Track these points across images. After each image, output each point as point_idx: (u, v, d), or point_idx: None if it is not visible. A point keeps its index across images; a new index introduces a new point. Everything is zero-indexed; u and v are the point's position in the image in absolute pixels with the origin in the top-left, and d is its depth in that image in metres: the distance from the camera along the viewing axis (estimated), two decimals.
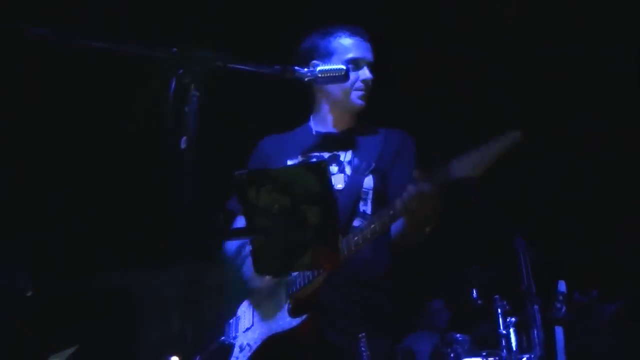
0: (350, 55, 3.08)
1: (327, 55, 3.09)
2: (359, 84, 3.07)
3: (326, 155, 3.04)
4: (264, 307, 2.80)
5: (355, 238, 2.64)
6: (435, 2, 5.54)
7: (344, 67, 2.82)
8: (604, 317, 5.34)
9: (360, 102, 3.09)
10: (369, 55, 3.12)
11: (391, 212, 2.60)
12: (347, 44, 3.10)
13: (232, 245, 3.03)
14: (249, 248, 2.87)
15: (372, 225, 2.63)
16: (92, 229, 5.80)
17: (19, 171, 5.62)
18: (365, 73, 3.08)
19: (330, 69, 2.84)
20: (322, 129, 3.16)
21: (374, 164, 2.97)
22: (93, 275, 6.14)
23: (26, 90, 5.40)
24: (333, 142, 3.10)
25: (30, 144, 5.61)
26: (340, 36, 3.12)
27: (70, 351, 4.57)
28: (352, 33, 3.13)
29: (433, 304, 6.15)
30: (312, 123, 3.21)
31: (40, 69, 5.17)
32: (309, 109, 3.24)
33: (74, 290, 6.05)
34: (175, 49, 2.32)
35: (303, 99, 3.22)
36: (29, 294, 4.67)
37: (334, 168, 2.99)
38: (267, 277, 2.81)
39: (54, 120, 5.54)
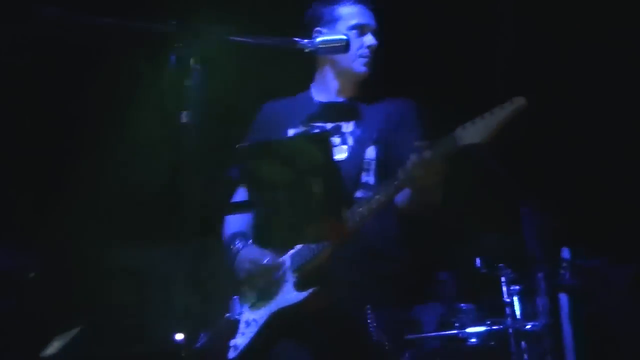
0: (354, 22, 3.06)
1: (331, 22, 3.08)
2: (363, 51, 3.04)
3: (329, 125, 3.01)
4: (268, 282, 2.79)
5: (360, 209, 2.62)
6: None
7: (344, 37, 2.81)
8: (614, 284, 5.33)
9: (364, 68, 3.06)
10: (372, 22, 3.10)
11: (395, 182, 2.59)
12: (351, 11, 3.09)
13: (230, 222, 3.02)
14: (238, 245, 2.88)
15: (377, 196, 2.62)
16: (99, 207, 5.81)
17: (23, 151, 5.64)
18: (369, 39, 3.06)
19: (331, 39, 2.83)
20: (324, 98, 3.13)
21: (376, 135, 2.94)
22: (101, 253, 6.15)
23: (28, 79, 5.41)
24: (335, 112, 3.07)
25: (35, 124, 5.62)
26: (344, 3, 3.11)
27: (74, 332, 4.58)
28: (356, 0, 3.12)
29: (440, 275, 6.17)
30: (313, 91, 3.18)
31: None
32: (308, 77, 3.21)
33: (82, 269, 6.08)
34: (174, 22, 2.29)
35: (302, 67, 3.19)
36: (31, 275, 4.67)
37: (336, 139, 2.95)
38: (270, 251, 2.80)
39: (63, 102, 5.54)
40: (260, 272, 2.77)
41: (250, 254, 2.82)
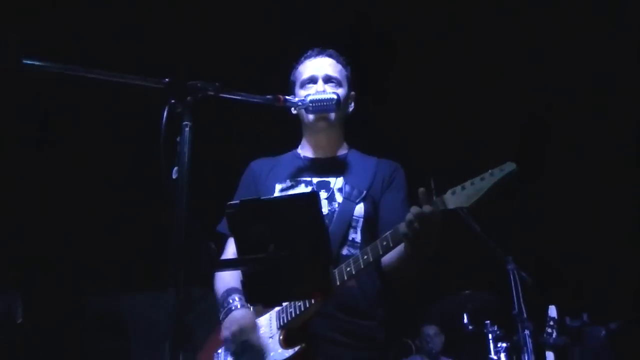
0: (303, 77, 3.08)
1: (293, 85, 3.12)
2: (308, 103, 2.92)
3: (315, 180, 3.01)
4: (253, 338, 2.77)
5: (348, 269, 2.63)
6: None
7: (334, 96, 2.84)
8: (595, 341, 5.35)
9: (310, 117, 3.00)
10: (320, 70, 3.07)
11: (384, 242, 2.59)
12: (301, 70, 3.13)
13: (223, 277, 3.01)
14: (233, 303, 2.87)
15: (365, 257, 2.62)
16: (84, 255, 5.80)
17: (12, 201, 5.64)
18: (313, 89, 3.02)
19: (320, 99, 2.86)
20: (311, 154, 3.14)
21: (365, 192, 2.95)
22: (86, 300, 6.13)
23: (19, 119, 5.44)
24: (323, 166, 3.07)
25: (23, 173, 5.63)
26: (300, 63, 3.15)
27: None
28: (307, 56, 3.15)
29: (426, 329, 6.16)
30: (300, 149, 3.19)
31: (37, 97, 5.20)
32: (297, 137, 3.24)
33: (67, 315, 6.05)
34: (167, 79, 2.32)
35: (293, 127, 3.23)
36: (19, 321, 4.65)
37: (323, 194, 2.96)
38: (256, 308, 2.80)
39: (46, 148, 5.57)
40: (242, 340, 2.75)
41: (242, 317, 2.78)
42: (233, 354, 2.82)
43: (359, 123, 3.23)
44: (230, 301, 2.86)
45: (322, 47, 3.18)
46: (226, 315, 2.84)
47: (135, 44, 5.07)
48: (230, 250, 2.98)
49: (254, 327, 2.78)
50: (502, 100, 5.81)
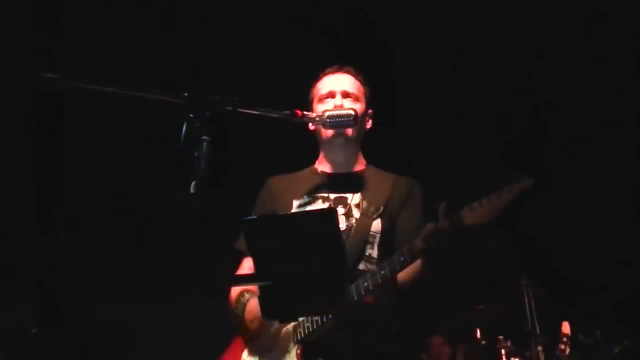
0: (321, 93, 3.11)
1: (311, 102, 3.14)
2: (324, 118, 2.90)
3: (332, 196, 3.02)
4: (268, 353, 2.78)
5: (365, 284, 2.64)
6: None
7: (352, 112, 2.86)
8: (608, 359, 5.32)
9: (329, 132, 3.01)
10: (338, 86, 3.09)
11: (402, 258, 2.60)
12: (319, 86, 3.15)
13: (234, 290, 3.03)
14: (247, 296, 2.89)
15: (383, 272, 2.63)
16: (97, 263, 5.83)
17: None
18: (329, 104, 3.04)
19: (338, 114, 2.87)
20: (328, 170, 3.15)
21: (382, 208, 2.96)
22: (97, 309, 6.15)
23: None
24: (339, 182, 3.08)
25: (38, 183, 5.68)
26: (318, 80, 3.17)
27: None
28: (324, 73, 3.18)
29: (432, 339, 6.16)
30: (317, 165, 3.20)
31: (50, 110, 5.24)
32: (313, 153, 3.25)
33: (76, 325, 6.07)
34: (186, 94, 2.34)
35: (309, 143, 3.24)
36: (33, 331, 4.67)
37: (340, 209, 2.97)
38: (272, 322, 2.80)
39: (63, 159, 5.60)
40: (265, 330, 2.80)
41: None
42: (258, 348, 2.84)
43: (375, 140, 3.23)
44: (241, 298, 2.91)
45: (340, 65, 3.20)
46: (243, 309, 2.87)
47: (152, 58, 5.11)
48: (247, 267, 2.99)
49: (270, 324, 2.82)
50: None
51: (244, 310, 2.87)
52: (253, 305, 2.84)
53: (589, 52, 5.54)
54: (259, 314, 2.75)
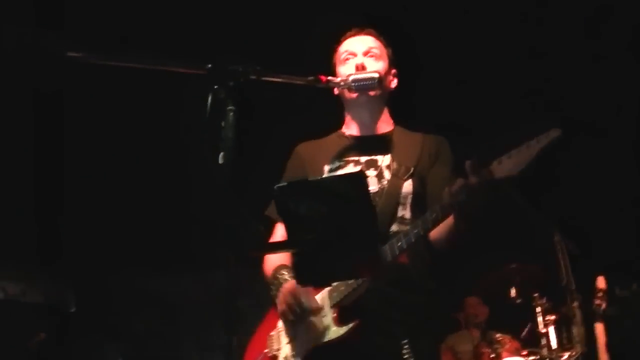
0: (342, 57, 3.11)
1: (334, 66, 3.14)
2: (347, 79, 2.95)
3: (363, 159, 3.01)
4: (305, 318, 2.80)
5: (399, 243, 2.65)
6: None
7: (376, 74, 2.85)
8: None
9: (353, 94, 3.01)
10: (360, 46, 3.10)
11: (434, 215, 2.60)
12: (341, 49, 3.15)
13: (268, 259, 3.05)
14: (285, 275, 2.89)
15: (416, 230, 2.64)
16: (135, 236, 5.90)
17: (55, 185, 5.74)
18: (351, 64, 3.04)
19: (363, 77, 2.88)
20: (356, 133, 3.14)
21: (413, 168, 2.95)
22: (133, 281, 6.23)
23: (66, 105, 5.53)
24: (369, 144, 3.07)
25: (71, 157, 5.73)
26: (340, 43, 3.17)
27: None
28: (345, 36, 3.18)
29: (469, 300, 6.16)
30: (344, 129, 3.19)
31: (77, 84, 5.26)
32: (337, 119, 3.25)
33: (113, 297, 6.17)
34: (210, 65, 2.34)
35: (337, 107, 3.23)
36: (72, 309, 4.73)
37: (371, 172, 2.97)
38: (306, 288, 2.81)
39: (95, 134, 5.64)
40: (300, 308, 2.78)
41: (293, 288, 2.81)
42: (291, 327, 2.85)
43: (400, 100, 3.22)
44: (279, 276, 2.90)
45: (361, 27, 3.19)
46: (277, 289, 2.87)
47: (175, 29, 5.10)
48: (279, 234, 3.01)
49: (308, 295, 2.80)
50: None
51: (278, 290, 2.88)
52: (288, 288, 2.83)
53: None
54: (294, 295, 2.78)
